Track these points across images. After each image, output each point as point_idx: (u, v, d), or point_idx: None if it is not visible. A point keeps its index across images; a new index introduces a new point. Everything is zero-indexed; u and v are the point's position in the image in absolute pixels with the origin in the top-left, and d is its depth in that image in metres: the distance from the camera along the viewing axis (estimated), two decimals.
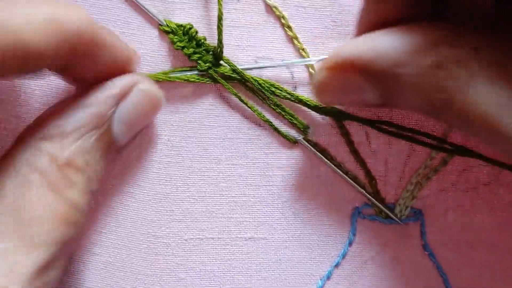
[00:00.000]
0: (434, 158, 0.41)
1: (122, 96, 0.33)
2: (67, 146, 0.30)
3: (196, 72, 0.39)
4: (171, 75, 0.39)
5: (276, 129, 0.40)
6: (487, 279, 0.42)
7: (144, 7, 0.39)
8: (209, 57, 0.39)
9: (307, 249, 0.41)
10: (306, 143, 0.40)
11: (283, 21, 0.40)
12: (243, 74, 0.39)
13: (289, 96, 0.39)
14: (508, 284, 0.42)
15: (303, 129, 0.40)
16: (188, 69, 0.39)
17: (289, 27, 0.40)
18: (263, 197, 0.41)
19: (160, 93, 0.36)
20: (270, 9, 0.40)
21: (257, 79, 0.39)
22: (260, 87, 0.39)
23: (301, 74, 0.40)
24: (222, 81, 0.39)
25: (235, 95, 0.39)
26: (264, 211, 0.41)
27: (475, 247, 0.42)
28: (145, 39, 0.39)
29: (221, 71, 0.39)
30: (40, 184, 0.29)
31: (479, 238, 0.42)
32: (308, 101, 0.39)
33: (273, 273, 0.41)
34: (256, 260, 0.41)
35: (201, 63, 0.39)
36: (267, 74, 0.40)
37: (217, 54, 0.39)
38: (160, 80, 0.38)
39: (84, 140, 0.31)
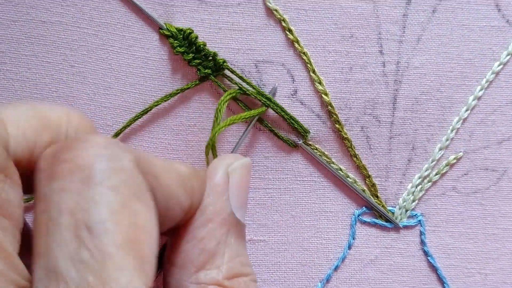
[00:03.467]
0: (435, 162, 0.41)
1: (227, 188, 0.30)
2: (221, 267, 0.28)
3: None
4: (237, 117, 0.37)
5: (276, 133, 0.40)
6: (487, 283, 0.42)
7: (144, 10, 0.39)
8: (209, 63, 0.39)
9: (306, 252, 0.41)
10: (307, 147, 0.40)
11: (283, 24, 0.40)
12: (245, 80, 0.39)
13: (282, 113, 0.40)
14: (508, 287, 0.42)
15: (304, 133, 0.40)
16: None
17: (290, 31, 0.40)
18: (263, 200, 0.41)
19: (249, 159, 0.33)
20: (271, 12, 0.40)
21: (257, 88, 0.39)
22: (258, 97, 0.39)
23: (301, 77, 0.40)
24: (223, 86, 0.39)
25: (235, 100, 0.39)
26: (263, 214, 0.41)
27: (475, 251, 0.42)
28: (145, 43, 0.39)
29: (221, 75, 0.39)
30: None
31: (479, 242, 0.42)
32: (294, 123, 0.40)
33: (272, 276, 0.41)
34: (255, 263, 0.41)
35: (201, 68, 0.39)
36: (267, 78, 0.40)
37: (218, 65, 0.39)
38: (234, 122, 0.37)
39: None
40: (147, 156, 0.25)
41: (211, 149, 0.36)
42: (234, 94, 0.38)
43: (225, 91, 0.39)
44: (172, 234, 0.29)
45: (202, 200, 0.28)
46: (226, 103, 0.37)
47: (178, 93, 0.39)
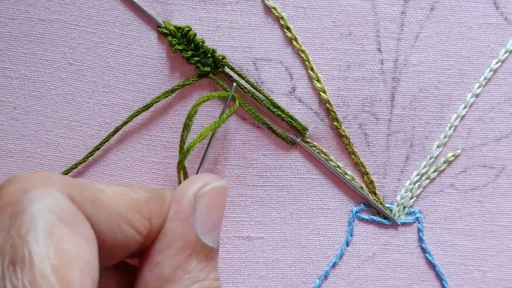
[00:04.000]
0: (433, 159, 0.41)
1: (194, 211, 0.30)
2: None
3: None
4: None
5: (274, 131, 0.40)
6: (485, 280, 0.42)
7: (142, 8, 0.39)
8: (208, 60, 0.39)
9: (304, 249, 0.41)
10: (305, 145, 0.40)
11: (282, 22, 0.40)
12: (244, 78, 0.39)
13: (279, 112, 0.40)
14: (507, 284, 0.42)
15: (302, 131, 0.40)
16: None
17: (288, 28, 0.40)
18: (261, 197, 0.41)
19: (225, 182, 0.32)
20: (269, 10, 0.40)
21: (256, 87, 0.39)
22: (256, 96, 0.39)
23: (300, 74, 0.40)
24: (221, 83, 0.39)
25: (234, 97, 0.40)
26: (261, 211, 0.41)
27: (473, 248, 0.42)
28: (144, 40, 0.39)
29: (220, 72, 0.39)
30: None
31: (477, 239, 0.42)
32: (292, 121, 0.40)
33: (270, 272, 0.41)
34: (253, 260, 0.41)
35: (200, 66, 0.39)
36: (265, 76, 0.40)
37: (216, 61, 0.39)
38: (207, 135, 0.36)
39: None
40: (92, 184, 0.26)
41: (182, 168, 0.36)
42: (202, 102, 0.36)
43: (223, 88, 0.40)
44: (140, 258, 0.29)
45: (164, 223, 0.28)
46: (193, 116, 0.36)
47: (178, 89, 0.39)
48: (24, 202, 0.22)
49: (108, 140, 0.40)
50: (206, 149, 0.37)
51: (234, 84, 0.39)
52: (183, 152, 0.35)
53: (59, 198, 0.23)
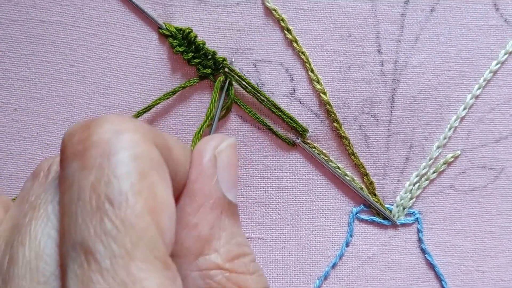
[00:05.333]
0: (433, 160, 0.41)
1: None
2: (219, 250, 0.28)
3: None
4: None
5: (274, 132, 0.40)
6: (484, 280, 0.42)
7: (143, 10, 0.39)
8: (209, 62, 0.39)
9: (304, 250, 0.42)
10: (305, 146, 0.41)
11: (282, 24, 0.40)
12: (245, 80, 0.39)
13: (279, 113, 0.40)
14: (506, 284, 0.42)
15: (302, 132, 0.40)
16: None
17: (289, 30, 0.40)
18: (261, 198, 0.41)
19: (233, 139, 0.32)
20: (269, 12, 0.40)
21: (257, 89, 0.40)
22: (257, 96, 0.40)
23: (300, 76, 0.40)
24: (222, 85, 0.40)
25: (234, 99, 0.40)
26: (261, 212, 0.41)
27: (472, 249, 0.42)
28: (145, 42, 0.39)
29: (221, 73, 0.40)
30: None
31: (477, 240, 0.42)
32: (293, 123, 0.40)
33: (270, 273, 0.42)
34: None
35: (200, 68, 0.39)
36: (266, 77, 0.40)
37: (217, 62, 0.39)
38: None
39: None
40: (160, 132, 0.26)
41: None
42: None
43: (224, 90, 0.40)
44: None
45: (187, 177, 0.28)
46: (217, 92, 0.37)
47: (179, 90, 0.39)
48: (117, 144, 0.23)
49: None
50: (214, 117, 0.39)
51: (233, 59, 0.40)
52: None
53: (148, 145, 0.23)
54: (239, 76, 0.39)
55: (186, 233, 0.27)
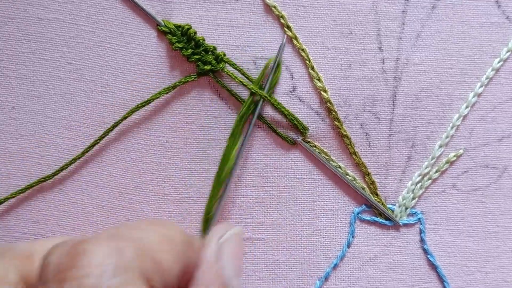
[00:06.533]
0: (435, 159, 0.41)
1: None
2: None
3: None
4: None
5: (275, 130, 0.40)
6: (487, 281, 0.42)
7: (142, 7, 0.39)
8: (209, 58, 0.39)
9: (305, 250, 0.41)
10: (306, 144, 0.40)
11: (282, 21, 0.40)
12: (245, 74, 0.39)
13: (281, 107, 0.40)
14: (509, 285, 0.42)
15: (303, 130, 0.40)
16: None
17: (289, 27, 0.40)
18: (262, 198, 0.41)
19: (238, 228, 0.34)
20: (269, 9, 0.39)
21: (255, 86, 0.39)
22: (258, 95, 0.39)
23: (300, 74, 0.40)
24: (221, 82, 0.39)
25: (235, 96, 0.39)
26: (262, 212, 0.41)
27: (475, 249, 0.41)
28: (143, 39, 0.39)
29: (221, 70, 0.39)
30: None
31: (479, 240, 0.41)
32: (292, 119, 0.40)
33: (271, 274, 0.41)
34: (254, 261, 0.41)
35: (200, 64, 0.39)
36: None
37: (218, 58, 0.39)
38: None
39: None
40: (144, 244, 0.27)
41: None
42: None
43: (223, 87, 0.39)
44: None
45: (196, 265, 0.30)
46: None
47: (179, 85, 0.39)
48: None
49: (107, 135, 0.40)
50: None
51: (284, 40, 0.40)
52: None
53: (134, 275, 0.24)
54: (239, 70, 0.39)
55: None
